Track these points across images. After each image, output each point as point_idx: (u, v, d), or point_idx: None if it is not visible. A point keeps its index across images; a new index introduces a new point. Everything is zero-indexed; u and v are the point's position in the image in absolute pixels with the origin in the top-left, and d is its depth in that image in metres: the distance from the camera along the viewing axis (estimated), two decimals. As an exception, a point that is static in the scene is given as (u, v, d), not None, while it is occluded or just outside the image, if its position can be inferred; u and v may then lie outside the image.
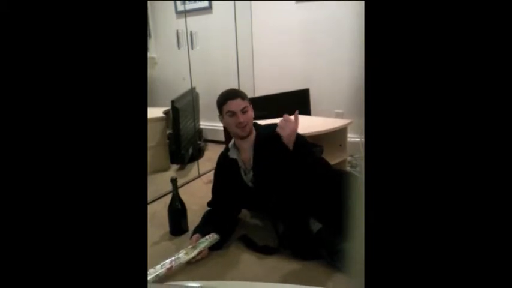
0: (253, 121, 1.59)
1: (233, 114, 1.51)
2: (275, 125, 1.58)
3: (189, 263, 1.40)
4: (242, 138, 1.57)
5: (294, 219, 1.49)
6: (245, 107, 1.51)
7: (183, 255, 1.38)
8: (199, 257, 1.43)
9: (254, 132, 1.59)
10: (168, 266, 1.33)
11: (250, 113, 1.54)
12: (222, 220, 1.60)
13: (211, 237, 1.49)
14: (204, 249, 1.45)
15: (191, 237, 1.51)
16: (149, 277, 1.27)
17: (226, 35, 2.80)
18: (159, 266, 1.31)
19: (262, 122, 1.71)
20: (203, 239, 1.47)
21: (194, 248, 1.42)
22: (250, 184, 1.60)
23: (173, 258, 1.36)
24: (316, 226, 1.43)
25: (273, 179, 1.53)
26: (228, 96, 1.53)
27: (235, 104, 1.50)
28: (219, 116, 1.58)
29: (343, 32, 2.50)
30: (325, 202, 1.46)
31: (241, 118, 1.50)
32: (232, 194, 1.64)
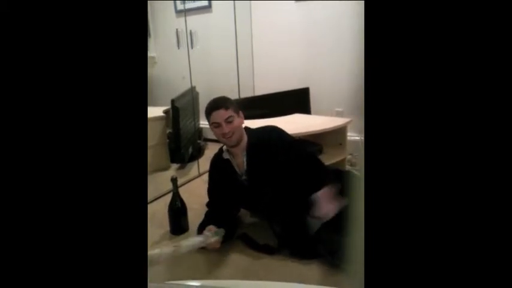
0: (244, 125, 1.60)
1: (218, 125, 1.51)
2: (267, 127, 1.61)
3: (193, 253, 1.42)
4: (231, 147, 1.57)
5: (290, 220, 1.49)
6: (229, 117, 1.50)
7: (210, 234, 1.40)
8: (217, 244, 1.44)
9: (245, 138, 1.59)
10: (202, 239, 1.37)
11: (237, 121, 1.53)
12: (223, 218, 1.60)
13: (222, 231, 1.48)
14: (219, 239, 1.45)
15: (199, 231, 1.53)
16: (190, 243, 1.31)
17: (226, 34, 2.80)
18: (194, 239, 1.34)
19: (262, 122, 1.71)
20: (219, 230, 1.47)
21: (216, 233, 1.43)
22: (245, 183, 1.61)
23: (201, 238, 1.38)
24: (316, 225, 1.43)
25: (267, 184, 1.54)
26: (212, 107, 1.53)
27: (219, 115, 1.50)
28: (209, 124, 1.59)
29: (343, 32, 2.50)
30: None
31: (226, 129, 1.49)
32: (229, 193, 1.64)
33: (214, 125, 1.52)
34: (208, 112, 1.53)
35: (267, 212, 1.61)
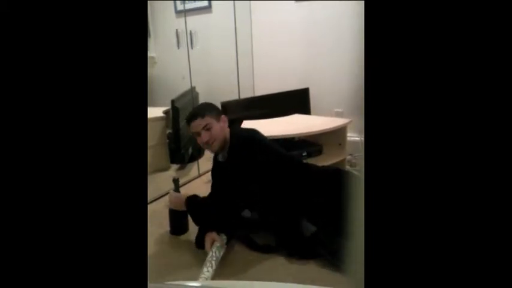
0: (235, 126, 1.63)
1: (198, 134, 1.53)
2: (247, 128, 1.63)
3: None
4: (215, 152, 1.59)
5: (283, 222, 1.49)
6: (207, 124, 1.50)
7: (218, 253, 1.36)
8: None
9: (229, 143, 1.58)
10: (215, 267, 1.31)
11: (217, 127, 1.52)
12: (225, 218, 1.59)
13: (223, 238, 1.46)
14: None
15: (206, 238, 1.48)
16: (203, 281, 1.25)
17: (226, 34, 2.80)
18: (208, 271, 1.28)
19: (261, 122, 1.71)
20: (222, 240, 1.44)
21: (219, 248, 1.40)
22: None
23: (213, 259, 1.33)
24: (310, 229, 1.43)
25: (251, 182, 1.53)
26: (188, 118, 1.56)
27: (195, 125, 1.52)
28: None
29: (343, 32, 2.50)
30: (322, 202, 1.46)
31: (204, 138, 1.51)
32: (226, 193, 1.64)
33: (195, 135, 1.55)
34: (188, 123, 1.56)
35: (258, 211, 1.61)
